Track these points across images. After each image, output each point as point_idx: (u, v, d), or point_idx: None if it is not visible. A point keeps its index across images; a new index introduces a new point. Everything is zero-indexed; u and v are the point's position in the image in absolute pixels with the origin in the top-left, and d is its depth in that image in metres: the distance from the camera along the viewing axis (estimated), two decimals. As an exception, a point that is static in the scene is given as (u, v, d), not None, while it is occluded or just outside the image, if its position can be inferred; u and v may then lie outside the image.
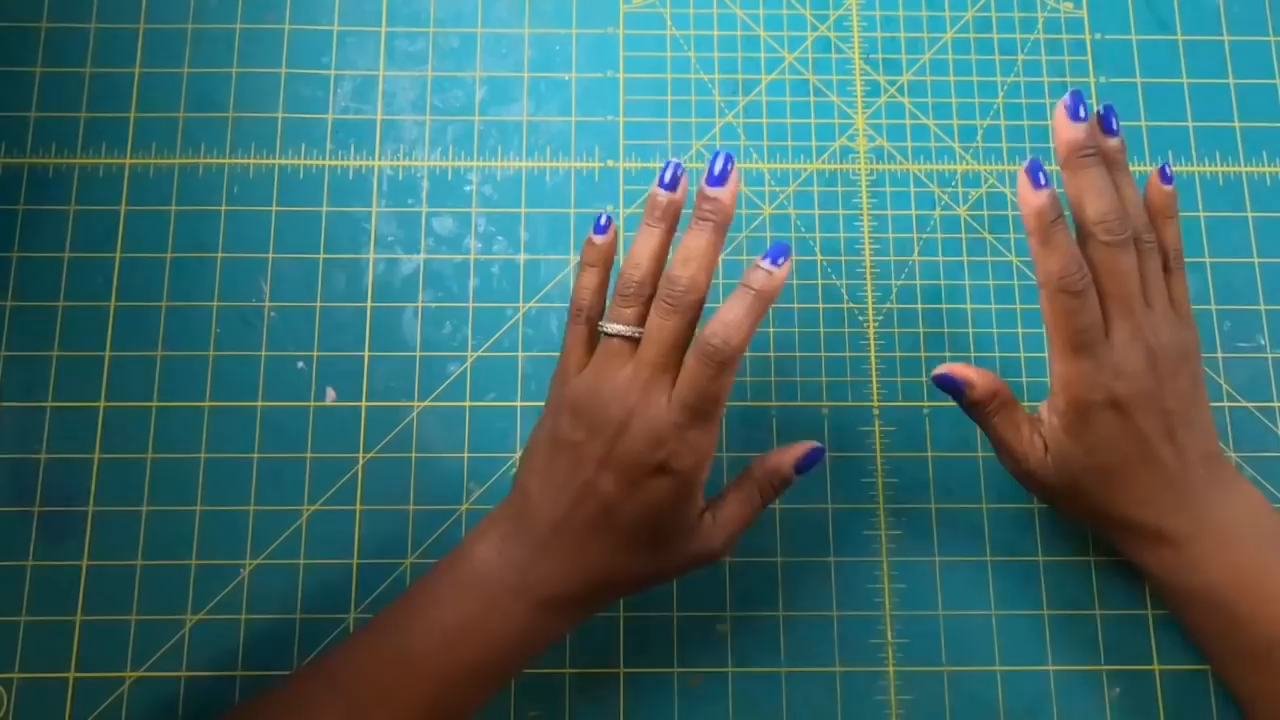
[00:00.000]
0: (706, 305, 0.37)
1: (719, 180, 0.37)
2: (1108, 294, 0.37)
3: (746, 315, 0.36)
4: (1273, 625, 0.37)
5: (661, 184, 0.38)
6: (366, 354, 0.46)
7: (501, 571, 0.36)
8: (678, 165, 0.38)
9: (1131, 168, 0.48)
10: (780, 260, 0.36)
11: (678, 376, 0.36)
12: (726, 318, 0.36)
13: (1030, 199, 0.37)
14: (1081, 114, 0.38)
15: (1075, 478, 0.39)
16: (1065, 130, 0.38)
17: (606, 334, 0.37)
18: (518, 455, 0.45)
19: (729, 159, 0.37)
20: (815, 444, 0.40)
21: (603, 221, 0.39)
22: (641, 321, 0.37)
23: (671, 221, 0.38)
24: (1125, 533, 0.39)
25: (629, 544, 0.36)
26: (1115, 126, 0.39)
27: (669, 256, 0.38)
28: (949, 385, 0.40)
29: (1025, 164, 0.38)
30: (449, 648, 0.36)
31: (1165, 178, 0.40)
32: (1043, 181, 0.37)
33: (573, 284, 0.45)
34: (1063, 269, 0.37)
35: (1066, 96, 0.38)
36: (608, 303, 0.39)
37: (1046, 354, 0.40)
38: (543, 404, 0.45)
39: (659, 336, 0.36)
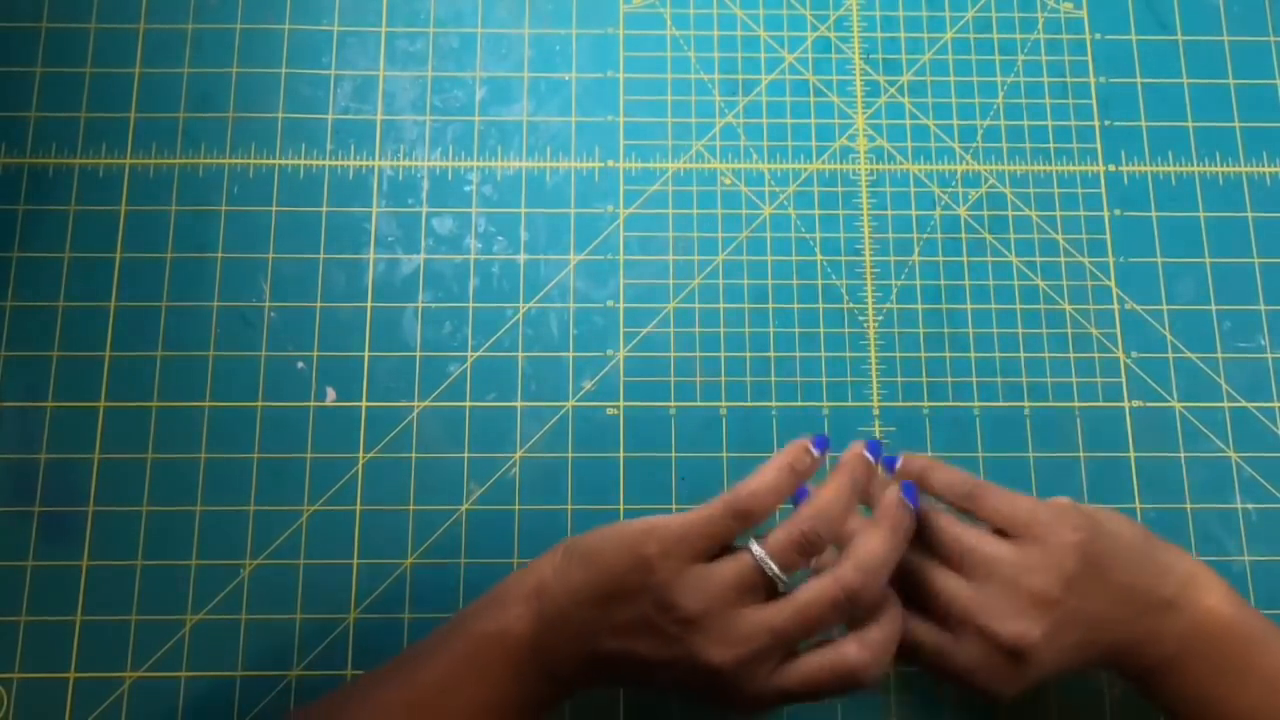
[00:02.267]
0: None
1: (909, 491, 0.37)
2: (936, 616, 0.36)
3: (890, 637, 0.35)
4: None
5: (871, 448, 0.37)
6: (366, 354, 0.46)
7: (537, 657, 0.35)
8: (878, 444, 0.38)
9: (1129, 167, 0.48)
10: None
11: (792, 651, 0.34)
12: (872, 637, 0.34)
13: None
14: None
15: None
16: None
17: (757, 558, 0.34)
18: (518, 455, 0.45)
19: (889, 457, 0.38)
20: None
21: (822, 441, 0.37)
22: (793, 570, 0.34)
23: (864, 491, 0.37)
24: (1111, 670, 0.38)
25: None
26: (800, 496, 0.37)
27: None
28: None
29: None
30: (473, 709, 0.35)
31: (885, 462, 0.39)
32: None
33: (571, 284, 0.44)
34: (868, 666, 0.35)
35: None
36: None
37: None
38: (542, 403, 0.45)
39: (809, 624, 0.33)
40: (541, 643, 0.35)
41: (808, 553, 0.34)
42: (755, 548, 0.34)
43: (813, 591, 0.33)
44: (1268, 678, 0.36)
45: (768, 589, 0.34)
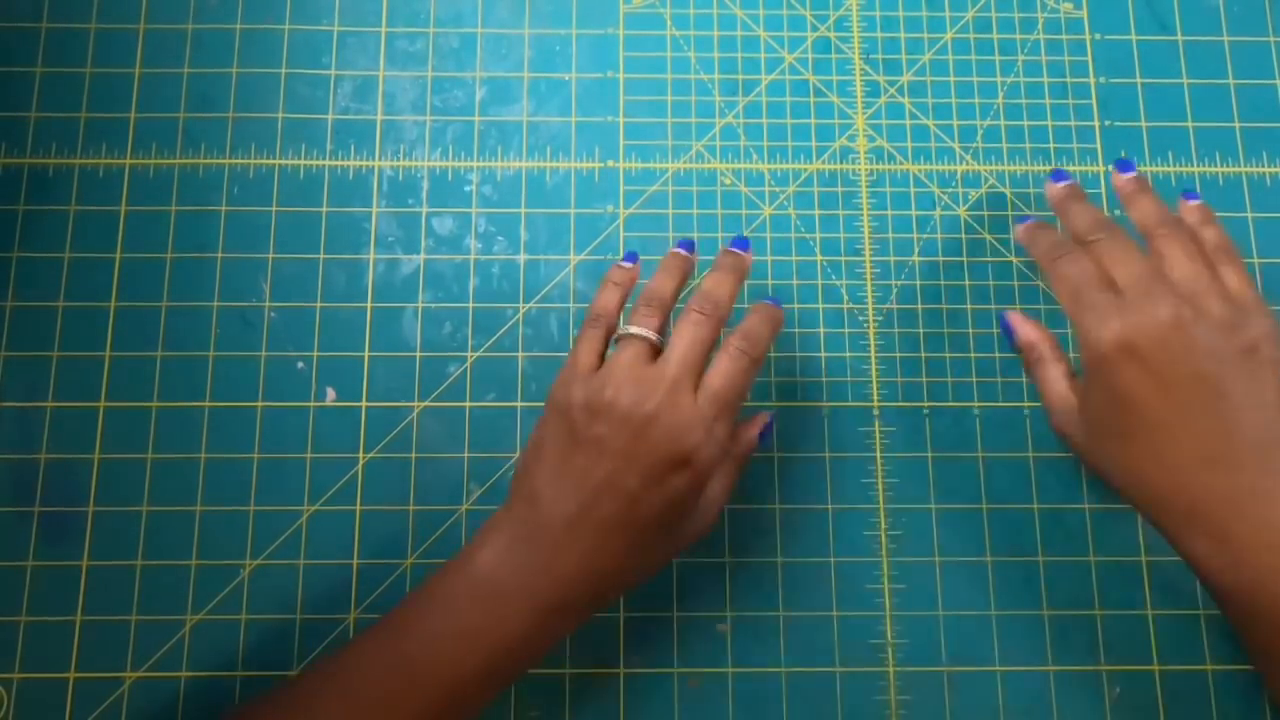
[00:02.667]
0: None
1: (742, 245, 0.42)
2: (1114, 278, 0.38)
3: (765, 324, 0.40)
4: None
5: (680, 245, 0.42)
6: (366, 354, 0.46)
7: (510, 578, 0.36)
8: (691, 241, 0.43)
9: (1139, 168, 0.48)
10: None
11: (699, 379, 0.38)
12: (750, 323, 0.40)
13: (1018, 232, 0.43)
14: (1064, 176, 0.43)
15: (1101, 437, 0.38)
16: (1049, 189, 0.43)
17: (628, 334, 0.39)
18: (518, 456, 0.45)
19: (748, 242, 0.43)
20: (768, 416, 0.42)
21: (630, 256, 0.43)
22: (662, 330, 0.39)
23: (687, 272, 0.42)
24: (1160, 511, 0.37)
25: (644, 537, 0.37)
26: (1129, 168, 0.43)
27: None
28: (1004, 327, 0.43)
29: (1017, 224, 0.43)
30: (456, 655, 0.36)
31: (1190, 195, 0.43)
32: (1024, 219, 0.43)
33: (571, 284, 0.46)
34: (1046, 248, 0.40)
35: (1053, 174, 0.43)
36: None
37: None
38: (542, 403, 0.45)
39: (691, 338, 0.38)
40: (508, 565, 0.36)
41: (654, 307, 0.39)
42: (622, 328, 0.39)
43: (681, 323, 0.38)
44: None
45: (654, 354, 0.38)
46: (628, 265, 0.42)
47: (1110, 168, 0.43)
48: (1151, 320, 0.36)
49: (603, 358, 0.39)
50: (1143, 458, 0.37)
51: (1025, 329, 0.42)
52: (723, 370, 0.38)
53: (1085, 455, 0.40)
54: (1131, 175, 0.42)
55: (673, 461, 0.36)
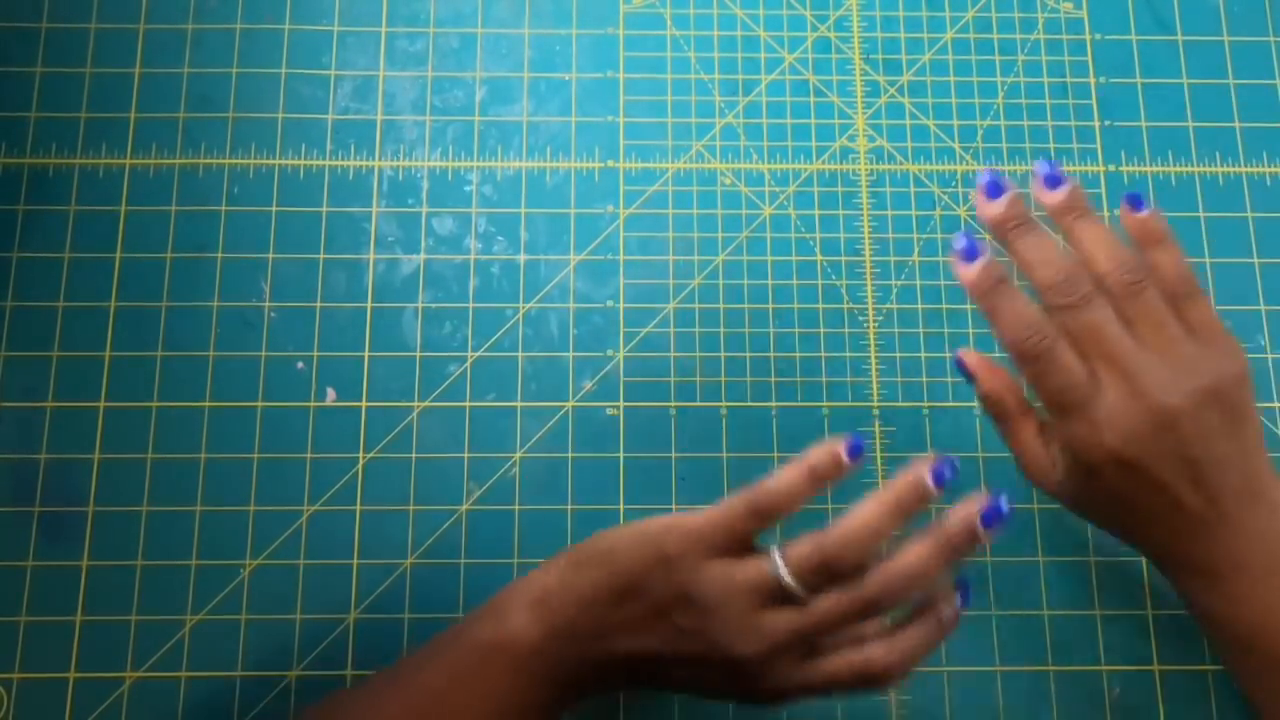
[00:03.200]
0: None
1: (995, 515, 0.35)
2: (1088, 354, 0.35)
3: (922, 647, 0.35)
4: None
5: (937, 481, 0.35)
6: (366, 354, 0.46)
7: (544, 665, 0.34)
8: (949, 465, 0.35)
9: (1129, 167, 0.48)
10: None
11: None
12: (900, 645, 0.34)
13: (963, 275, 0.36)
14: (999, 189, 0.37)
15: (1090, 513, 0.39)
16: (984, 209, 0.37)
17: (778, 573, 0.33)
18: (518, 455, 0.45)
19: (1004, 513, 0.35)
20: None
21: (856, 447, 0.35)
22: (818, 592, 0.34)
23: (913, 515, 0.35)
24: (1155, 559, 0.38)
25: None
26: (1058, 179, 0.37)
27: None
28: (961, 371, 0.40)
29: (955, 240, 0.36)
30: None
31: (1135, 205, 0.38)
32: (975, 252, 0.36)
33: (571, 284, 0.44)
34: (1014, 335, 0.35)
35: (982, 177, 0.37)
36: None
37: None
38: (542, 403, 0.45)
39: (831, 627, 0.34)
40: (548, 650, 0.34)
41: (830, 578, 0.33)
42: (777, 559, 0.34)
43: (832, 601, 0.33)
44: None
45: (786, 594, 0.34)
46: (846, 463, 0.35)
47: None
48: (1142, 428, 0.34)
49: (746, 547, 0.34)
50: (1134, 530, 0.37)
51: (987, 380, 0.39)
52: (839, 668, 0.34)
53: (1072, 509, 0.39)
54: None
55: (730, 691, 0.34)
